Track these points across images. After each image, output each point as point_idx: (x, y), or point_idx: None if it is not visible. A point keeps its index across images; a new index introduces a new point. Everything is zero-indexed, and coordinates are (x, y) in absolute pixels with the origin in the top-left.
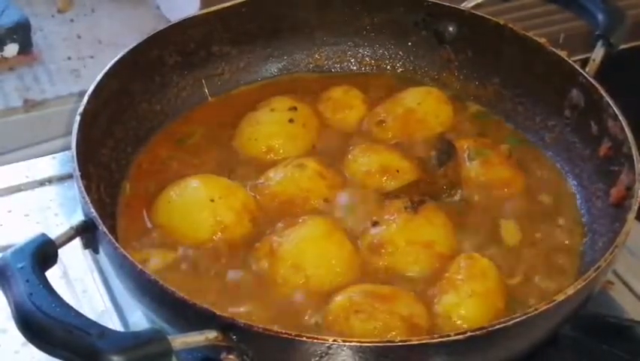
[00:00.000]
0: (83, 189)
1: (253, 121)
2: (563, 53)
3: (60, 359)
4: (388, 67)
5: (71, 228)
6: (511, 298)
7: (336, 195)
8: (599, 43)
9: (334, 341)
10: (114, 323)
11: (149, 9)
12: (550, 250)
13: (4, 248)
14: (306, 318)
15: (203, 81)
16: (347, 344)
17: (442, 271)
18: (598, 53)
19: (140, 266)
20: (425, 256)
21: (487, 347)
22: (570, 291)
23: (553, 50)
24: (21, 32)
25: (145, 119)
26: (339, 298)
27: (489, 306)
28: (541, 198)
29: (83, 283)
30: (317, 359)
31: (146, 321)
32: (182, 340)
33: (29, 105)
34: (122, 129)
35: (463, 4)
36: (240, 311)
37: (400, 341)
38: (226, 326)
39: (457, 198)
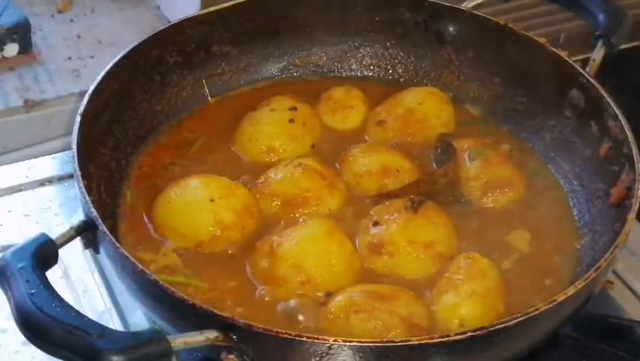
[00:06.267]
0: (83, 189)
1: (253, 121)
2: (563, 53)
3: (60, 358)
4: (389, 67)
5: (71, 228)
6: (511, 297)
7: (336, 196)
8: (599, 43)
9: (335, 341)
10: (114, 323)
11: (149, 9)
12: (549, 250)
13: (4, 248)
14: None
15: (204, 81)
16: (347, 344)
17: (442, 271)
18: (598, 53)
19: (140, 266)
20: (425, 256)
21: (487, 347)
22: (571, 291)
23: (554, 50)
24: (21, 32)
25: (145, 119)
26: (339, 298)
27: (489, 306)
28: (541, 198)
29: (83, 283)
30: (317, 359)
31: (146, 321)
32: (182, 340)
33: (29, 105)
34: (122, 129)
35: (463, 4)
36: (240, 311)
37: (401, 341)
38: (226, 326)
39: (457, 198)
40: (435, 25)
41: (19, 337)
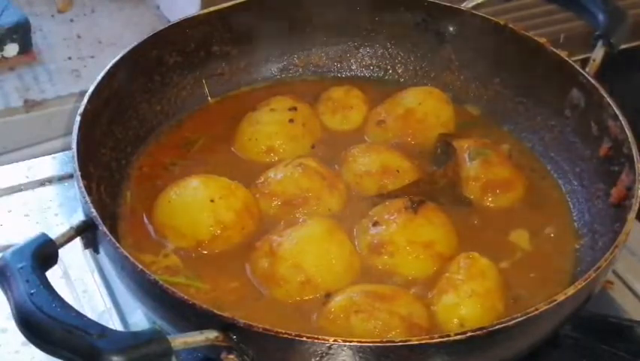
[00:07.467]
0: (83, 189)
1: (253, 121)
2: (563, 53)
3: (60, 358)
4: (389, 67)
5: (71, 228)
6: (510, 297)
7: (336, 196)
8: (599, 43)
9: (335, 341)
10: (114, 323)
11: (149, 9)
12: (549, 250)
13: (4, 248)
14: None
15: (204, 81)
16: (347, 344)
17: (442, 271)
18: (598, 53)
19: (140, 266)
20: (425, 256)
21: (487, 347)
22: (570, 291)
23: (554, 50)
24: (21, 32)
25: (145, 119)
26: (339, 298)
27: (489, 306)
28: (541, 198)
29: (83, 283)
30: (317, 359)
31: (146, 321)
32: (183, 340)
33: (29, 105)
34: (122, 129)
35: (463, 4)
36: (240, 311)
37: (401, 341)
38: (226, 326)
39: (457, 198)
40: (435, 25)
41: (19, 337)
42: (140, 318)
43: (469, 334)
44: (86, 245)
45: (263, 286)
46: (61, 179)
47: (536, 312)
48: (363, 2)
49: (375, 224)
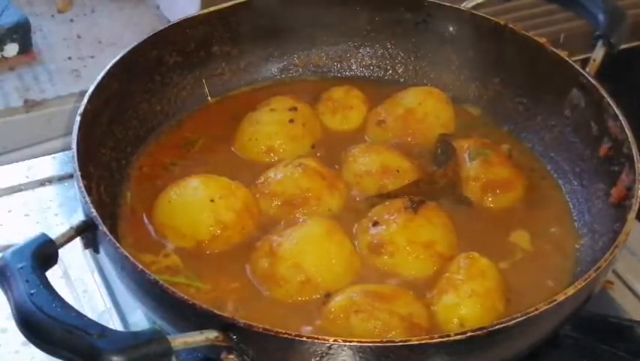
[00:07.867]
0: (83, 189)
1: (253, 121)
2: (563, 53)
3: (60, 358)
4: (388, 67)
5: (71, 228)
6: (510, 297)
7: (336, 196)
8: (600, 43)
9: (335, 341)
10: (114, 323)
11: (149, 9)
12: (549, 250)
13: (4, 248)
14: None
15: (204, 81)
16: (347, 344)
17: (442, 271)
18: (598, 53)
19: (140, 266)
20: (425, 256)
21: (487, 347)
22: (570, 291)
23: (554, 50)
24: (21, 32)
25: (145, 119)
26: (339, 298)
27: (489, 306)
28: (541, 198)
29: (83, 283)
30: (317, 359)
31: (146, 321)
32: (183, 340)
33: (29, 105)
34: (122, 129)
35: (463, 4)
36: (241, 312)
37: (401, 341)
38: (226, 326)
39: (457, 198)
40: (435, 25)
41: (19, 337)
42: (140, 318)
43: (469, 334)
44: (86, 245)
45: (263, 286)
46: (61, 179)
47: (536, 312)
48: (363, 2)
49: (375, 224)
